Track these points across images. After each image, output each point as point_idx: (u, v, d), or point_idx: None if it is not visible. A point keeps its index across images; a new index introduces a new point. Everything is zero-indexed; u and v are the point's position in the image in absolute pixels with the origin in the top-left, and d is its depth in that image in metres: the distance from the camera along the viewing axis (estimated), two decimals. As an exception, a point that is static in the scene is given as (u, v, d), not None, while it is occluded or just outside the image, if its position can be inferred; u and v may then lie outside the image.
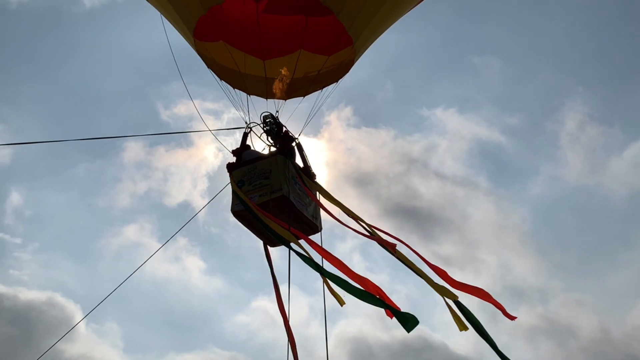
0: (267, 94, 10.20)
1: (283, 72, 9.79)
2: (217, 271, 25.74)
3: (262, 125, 10.57)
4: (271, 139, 10.47)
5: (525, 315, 22.81)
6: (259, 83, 9.97)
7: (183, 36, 10.09)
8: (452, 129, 27.37)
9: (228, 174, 9.94)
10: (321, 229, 9.70)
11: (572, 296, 24.45)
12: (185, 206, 24.52)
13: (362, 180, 24.43)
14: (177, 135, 24.78)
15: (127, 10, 25.75)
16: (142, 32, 25.75)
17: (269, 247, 9.87)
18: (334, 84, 10.35)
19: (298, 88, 10.09)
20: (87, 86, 26.31)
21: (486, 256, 24.62)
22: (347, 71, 10.30)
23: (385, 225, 8.53)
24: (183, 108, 24.87)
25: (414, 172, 26.18)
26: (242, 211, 9.32)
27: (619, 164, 26.44)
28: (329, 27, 9.11)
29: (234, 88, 10.28)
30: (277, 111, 10.43)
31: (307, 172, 10.07)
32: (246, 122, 10.44)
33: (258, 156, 10.07)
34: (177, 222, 24.14)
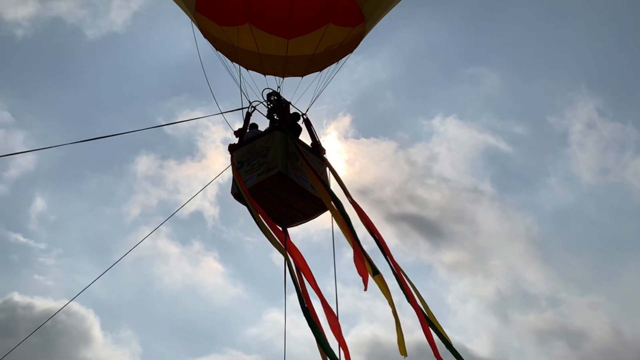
0: (285, 73, 9.80)
1: None
2: (233, 277, 25.05)
3: (266, 103, 10.20)
4: (277, 116, 10.15)
5: (535, 319, 22.78)
6: (278, 63, 9.54)
7: (191, 18, 9.41)
8: (453, 136, 26.16)
9: (230, 155, 9.53)
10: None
11: (584, 300, 23.50)
12: (197, 214, 24.12)
13: (364, 191, 23.26)
14: (188, 148, 24.97)
15: (126, 39, 25.81)
16: (136, 56, 25.88)
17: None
18: (349, 54, 10.12)
19: (317, 63, 9.77)
20: (95, 104, 25.65)
21: (495, 262, 23.93)
22: (360, 41, 10.09)
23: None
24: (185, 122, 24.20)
25: (417, 181, 25.17)
26: (237, 194, 9.03)
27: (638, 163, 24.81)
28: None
29: (247, 69, 9.77)
30: (279, 87, 10.06)
31: (316, 148, 9.86)
32: (249, 101, 9.99)
33: (258, 134, 9.75)
34: (191, 229, 23.86)
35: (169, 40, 25.88)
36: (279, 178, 8.77)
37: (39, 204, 24.37)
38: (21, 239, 23.59)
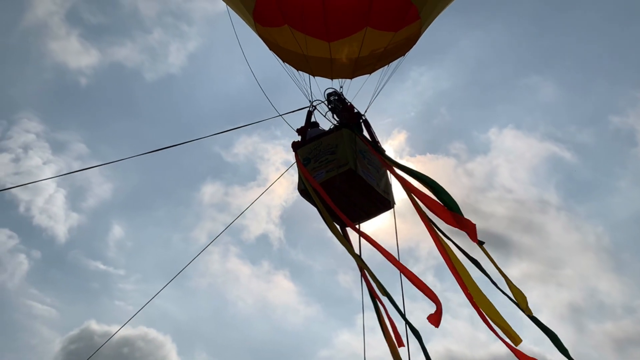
0: (333, 75, 9.89)
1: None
2: (304, 295, 26.00)
3: (326, 102, 10.30)
4: (336, 116, 10.21)
5: (612, 327, 22.27)
6: (324, 64, 9.64)
7: (246, 22, 9.84)
8: (513, 147, 26.01)
9: (294, 152, 9.72)
10: (394, 204, 9.37)
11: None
12: (264, 237, 25.51)
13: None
14: (251, 173, 26.69)
15: (183, 79, 27.49)
16: (193, 93, 27.29)
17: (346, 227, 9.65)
18: (402, 57, 9.91)
19: (364, 66, 9.71)
20: (159, 137, 27.73)
21: (566, 272, 23.50)
22: (414, 43, 9.82)
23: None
24: (241, 148, 26.53)
25: (479, 195, 24.79)
26: (304, 191, 9.12)
27: None
28: (396, 2, 8.66)
29: (297, 70, 9.99)
30: (341, 87, 10.11)
31: (375, 149, 9.75)
32: (310, 101, 10.16)
33: (323, 132, 9.83)
34: (259, 251, 25.08)
35: (223, 77, 27.20)
36: (350, 175, 8.87)
37: (117, 231, 25.81)
38: (101, 266, 24.95)
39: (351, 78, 9.95)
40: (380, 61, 9.68)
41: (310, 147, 9.49)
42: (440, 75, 26.38)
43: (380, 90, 9.99)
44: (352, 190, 9.03)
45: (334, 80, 10.06)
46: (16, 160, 25.12)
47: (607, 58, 25.30)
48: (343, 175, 8.85)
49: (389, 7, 8.62)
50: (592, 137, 25.42)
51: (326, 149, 9.26)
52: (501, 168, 25.57)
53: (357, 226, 9.28)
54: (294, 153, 9.80)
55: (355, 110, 10.04)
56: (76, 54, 26.46)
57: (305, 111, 10.25)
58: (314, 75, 10.00)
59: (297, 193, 9.54)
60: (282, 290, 25.49)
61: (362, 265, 8.31)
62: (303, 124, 10.27)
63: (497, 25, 26.30)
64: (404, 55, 9.87)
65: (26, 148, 25.23)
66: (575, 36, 25.88)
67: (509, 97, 26.48)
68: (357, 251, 8.78)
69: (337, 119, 10.06)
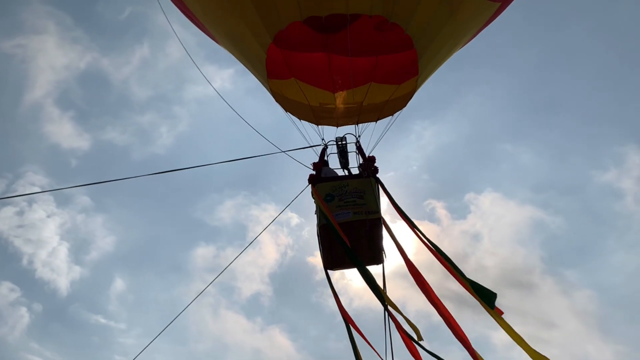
0: (338, 123, 10.23)
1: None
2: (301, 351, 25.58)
3: (337, 144, 10.52)
4: (341, 159, 10.49)
5: None
6: (328, 113, 10.02)
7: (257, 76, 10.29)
8: (494, 212, 25.94)
9: (311, 186, 9.72)
10: (384, 260, 9.37)
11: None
12: (256, 296, 25.54)
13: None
14: (241, 234, 26.81)
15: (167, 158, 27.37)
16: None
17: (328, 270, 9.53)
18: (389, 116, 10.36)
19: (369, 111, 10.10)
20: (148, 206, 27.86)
21: (553, 336, 22.99)
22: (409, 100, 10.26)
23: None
24: (225, 213, 26.82)
25: (462, 260, 24.43)
26: (327, 226, 9.04)
27: None
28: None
29: (300, 120, 10.30)
30: (359, 135, 10.42)
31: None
32: (322, 139, 10.46)
33: (348, 175, 10.10)
34: (251, 311, 24.90)
35: (206, 154, 27.22)
36: (376, 223, 9.11)
37: (119, 284, 25.71)
38: (102, 320, 24.77)
39: (357, 124, 10.27)
40: (359, 116, 10.11)
41: (334, 184, 9.53)
42: (441, 130, 26.92)
43: (378, 141, 10.33)
44: (364, 237, 9.18)
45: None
46: (20, 213, 25.25)
47: (588, 114, 25.55)
48: (372, 222, 9.10)
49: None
50: (574, 196, 25.26)
51: (353, 191, 9.39)
52: (486, 232, 25.53)
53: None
54: (310, 186, 9.75)
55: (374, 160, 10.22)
56: (68, 137, 26.85)
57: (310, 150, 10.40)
58: (318, 125, 10.32)
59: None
60: (281, 347, 25.18)
61: (391, 306, 8.37)
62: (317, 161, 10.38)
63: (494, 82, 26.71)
64: (377, 119, 10.30)
65: (30, 201, 25.39)
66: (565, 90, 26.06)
67: (493, 159, 26.82)
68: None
69: (342, 162, 10.47)
